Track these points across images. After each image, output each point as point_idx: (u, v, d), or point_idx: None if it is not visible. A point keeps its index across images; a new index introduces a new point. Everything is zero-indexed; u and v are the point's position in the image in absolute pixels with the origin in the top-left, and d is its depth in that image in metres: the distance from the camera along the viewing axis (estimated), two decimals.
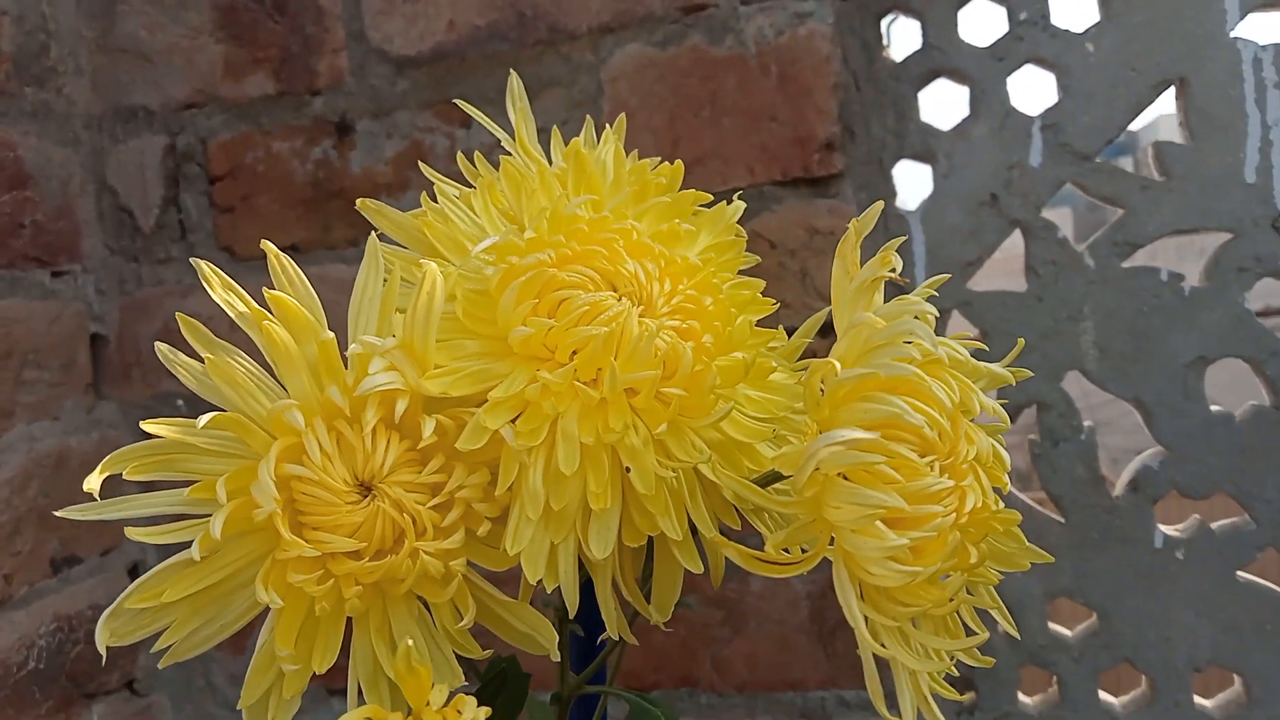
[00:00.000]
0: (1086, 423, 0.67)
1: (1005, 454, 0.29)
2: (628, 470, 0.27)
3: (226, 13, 0.71)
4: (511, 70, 0.36)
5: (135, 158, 0.73)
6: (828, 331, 0.64)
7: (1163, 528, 0.66)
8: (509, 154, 0.33)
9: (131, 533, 0.26)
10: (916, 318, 0.27)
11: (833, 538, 0.28)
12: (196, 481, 0.27)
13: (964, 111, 0.67)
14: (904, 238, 0.32)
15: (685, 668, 0.68)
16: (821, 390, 0.27)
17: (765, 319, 0.32)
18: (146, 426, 0.26)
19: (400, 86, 0.68)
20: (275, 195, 0.71)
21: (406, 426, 0.27)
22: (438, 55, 0.67)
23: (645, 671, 0.68)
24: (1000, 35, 0.66)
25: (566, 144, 0.33)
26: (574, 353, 0.27)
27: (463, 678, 0.28)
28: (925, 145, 0.68)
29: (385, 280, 0.28)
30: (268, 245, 0.28)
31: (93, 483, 0.26)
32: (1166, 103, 0.66)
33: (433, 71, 0.67)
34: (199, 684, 0.75)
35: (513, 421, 0.27)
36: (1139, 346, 0.65)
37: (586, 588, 0.29)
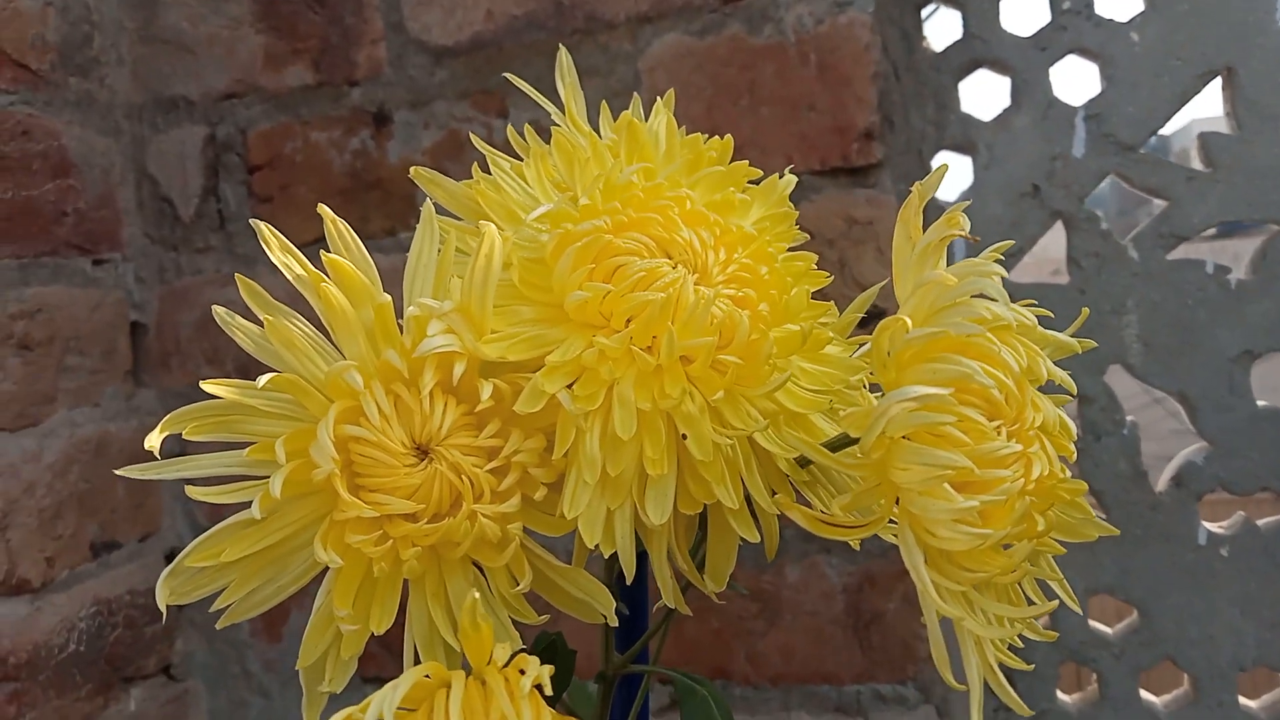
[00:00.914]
0: (1129, 417, 0.66)
1: (1071, 423, 0.29)
2: (684, 437, 0.27)
3: (266, 4, 0.71)
4: (561, 46, 0.36)
5: (175, 147, 0.74)
6: (867, 323, 0.63)
7: (1207, 524, 0.65)
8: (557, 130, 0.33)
9: (193, 492, 0.26)
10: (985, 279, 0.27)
11: (894, 509, 0.28)
12: (254, 443, 0.27)
13: (1005, 102, 0.67)
14: (967, 202, 0.31)
15: (719, 660, 0.67)
16: (889, 353, 0.27)
17: (816, 293, 0.31)
18: (206, 386, 0.26)
19: (438, 77, 0.68)
20: (313, 185, 0.71)
21: (464, 390, 0.27)
22: (476, 45, 0.67)
23: (678, 663, 0.67)
24: (1043, 25, 0.66)
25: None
26: (629, 319, 0.27)
27: (520, 642, 0.28)
28: (966, 136, 0.67)
29: (440, 249, 0.28)
30: (324, 209, 0.28)
31: (153, 440, 0.26)
32: (1203, 106, 0.65)
33: (470, 61, 0.68)
34: (234, 670, 0.75)
35: (569, 386, 0.26)
36: (1184, 340, 0.64)
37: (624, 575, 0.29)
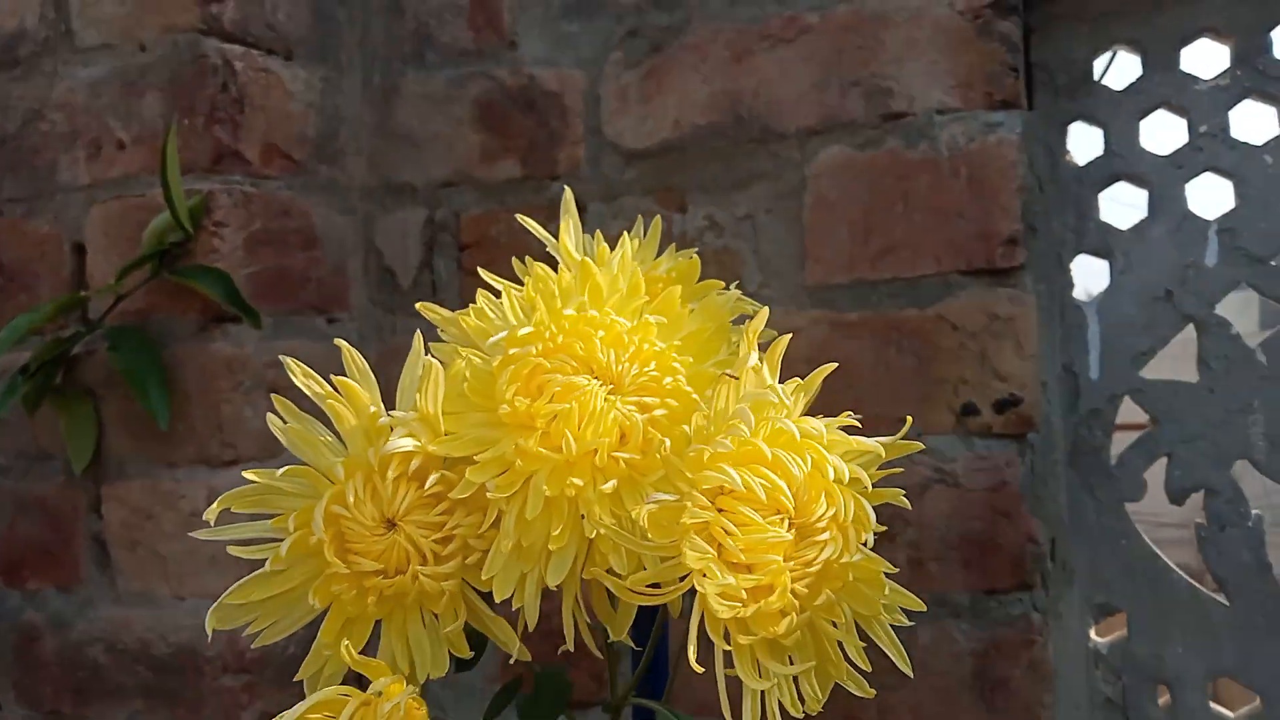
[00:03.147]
0: (1255, 511, 0.70)
1: (870, 512, 0.36)
2: (583, 517, 0.35)
3: (485, 108, 0.83)
4: (566, 186, 0.46)
5: (400, 226, 0.86)
6: (1005, 407, 0.70)
7: None
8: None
9: (232, 550, 0.37)
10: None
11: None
12: (280, 514, 0.37)
13: (1142, 213, 0.73)
14: (833, 366, 0.39)
15: (852, 710, 0.74)
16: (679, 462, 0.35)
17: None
18: (246, 474, 0.37)
19: (628, 175, 0.79)
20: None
21: (420, 478, 0.36)
22: (663, 149, 0.78)
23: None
24: (1180, 145, 0.72)
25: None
26: (551, 422, 0.35)
27: (446, 666, 0.37)
28: (1104, 242, 0.73)
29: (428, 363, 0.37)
30: (341, 343, 0.38)
31: (212, 513, 0.36)
32: None
33: (657, 163, 0.78)
34: None
35: (497, 476, 0.35)
36: None
37: (645, 612, 0.37)
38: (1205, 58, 0.74)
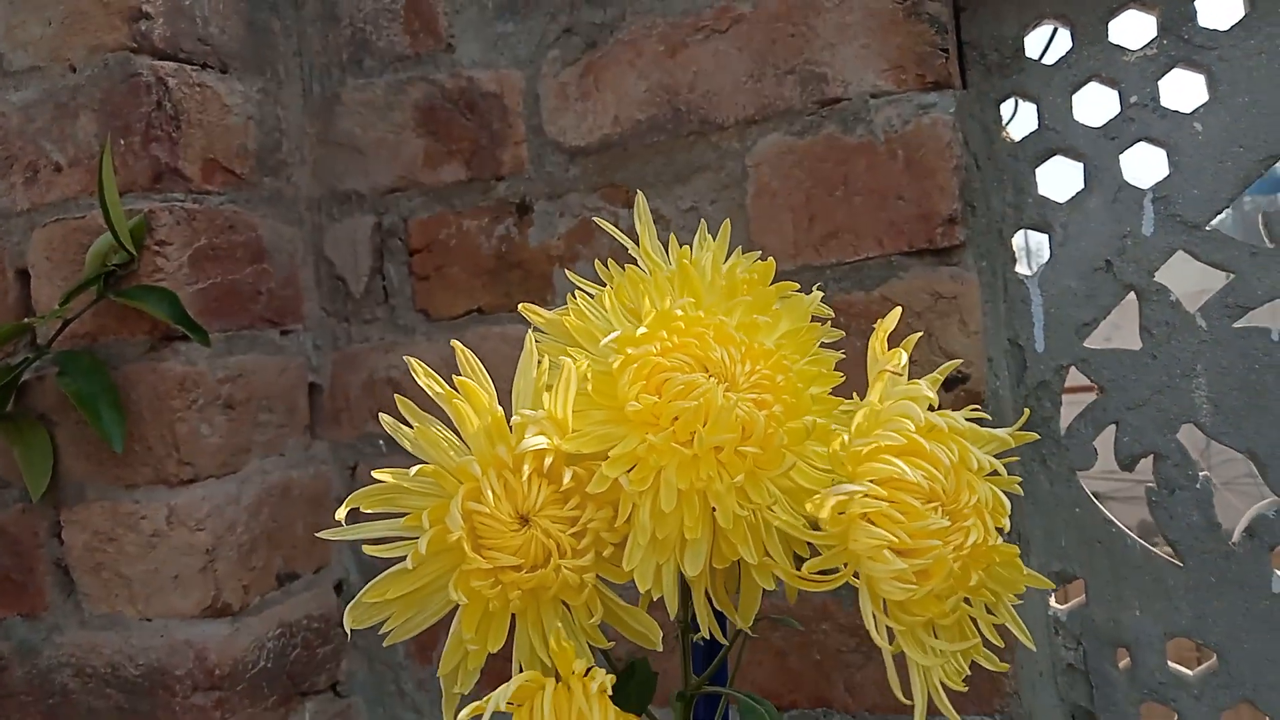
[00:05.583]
0: (1202, 472, 0.71)
1: (1005, 499, 0.37)
2: (714, 510, 0.36)
3: (426, 112, 0.83)
4: (639, 192, 0.46)
5: (348, 234, 0.86)
6: (952, 384, 0.71)
7: None
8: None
9: (368, 549, 0.38)
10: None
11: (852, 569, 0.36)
12: (408, 514, 0.38)
13: (1079, 185, 0.74)
14: (919, 334, 0.41)
15: (820, 689, 0.75)
16: (842, 454, 0.36)
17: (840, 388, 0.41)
18: (376, 475, 0.38)
19: (572, 172, 0.79)
20: (464, 266, 0.82)
21: (553, 474, 0.37)
22: (604, 145, 0.78)
23: (783, 691, 0.75)
24: (1112, 115, 0.73)
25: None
26: (674, 419, 0.37)
27: (592, 660, 0.38)
28: (1042, 216, 0.74)
29: (539, 363, 0.39)
30: (457, 344, 0.39)
31: (341, 513, 0.37)
32: None
33: (600, 159, 0.78)
34: (390, 689, 0.86)
35: (629, 471, 0.36)
36: (1252, 402, 0.70)
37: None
38: (1133, 29, 0.75)
